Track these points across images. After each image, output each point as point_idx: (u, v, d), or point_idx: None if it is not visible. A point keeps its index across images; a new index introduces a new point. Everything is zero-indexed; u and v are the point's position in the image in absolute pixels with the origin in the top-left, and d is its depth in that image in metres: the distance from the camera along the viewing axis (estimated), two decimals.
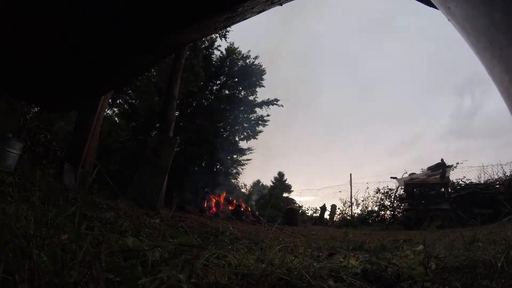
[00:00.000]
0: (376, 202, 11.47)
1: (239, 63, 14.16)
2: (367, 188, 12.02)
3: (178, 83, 7.80)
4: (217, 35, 11.63)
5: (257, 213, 8.98)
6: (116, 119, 14.39)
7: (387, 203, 11.01)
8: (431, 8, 2.00)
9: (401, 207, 10.25)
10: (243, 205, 9.29)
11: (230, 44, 13.67)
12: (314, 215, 12.90)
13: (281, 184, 25.70)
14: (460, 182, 9.09)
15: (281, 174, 26.98)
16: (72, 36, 2.31)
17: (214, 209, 8.55)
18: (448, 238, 2.36)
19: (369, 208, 11.54)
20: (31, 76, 2.77)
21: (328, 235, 4.93)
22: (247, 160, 14.51)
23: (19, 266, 0.64)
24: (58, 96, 3.29)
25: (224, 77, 14.26)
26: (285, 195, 20.12)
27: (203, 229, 3.25)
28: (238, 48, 13.97)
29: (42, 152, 7.01)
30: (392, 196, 10.75)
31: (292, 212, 9.31)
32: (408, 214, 8.90)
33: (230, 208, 8.60)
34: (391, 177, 10.91)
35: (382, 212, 10.93)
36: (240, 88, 14.48)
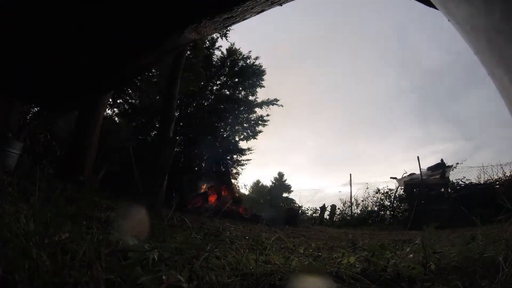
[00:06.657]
0: (376, 202, 11.47)
1: (240, 63, 14.17)
2: (367, 188, 12.04)
3: (178, 83, 7.78)
4: (218, 35, 11.63)
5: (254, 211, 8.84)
6: (116, 119, 14.37)
7: (387, 203, 11.01)
8: (431, 8, 2.00)
9: (401, 207, 10.26)
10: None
11: (231, 44, 13.69)
12: (314, 215, 12.90)
13: (281, 184, 25.69)
14: (460, 182, 9.10)
15: (281, 174, 26.99)
16: (72, 36, 2.31)
17: (199, 203, 8.30)
18: (448, 238, 2.36)
19: (369, 208, 11.54)
20: (31, 75, 2.77)
21: (328, 235, 4.93)
22: (247, 160, 14.52)
23: (19, 265, 0.64)
24: (58, 96, 3.29)
25: (224, 77, 14.26)
26: (285, 195, 20.12)
27: (203, 229, 3.25)
28: (239, 48, 14.01)
29: (42, 152, 7.01)
30: (392, 196, 10.75)
31: (292, 212, 9.31)
32: (408, 215, 8.91)
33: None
34: (391, 177, 10.93)
35: (382, 212, 10.92)
36: (240, 88, 14.49)
